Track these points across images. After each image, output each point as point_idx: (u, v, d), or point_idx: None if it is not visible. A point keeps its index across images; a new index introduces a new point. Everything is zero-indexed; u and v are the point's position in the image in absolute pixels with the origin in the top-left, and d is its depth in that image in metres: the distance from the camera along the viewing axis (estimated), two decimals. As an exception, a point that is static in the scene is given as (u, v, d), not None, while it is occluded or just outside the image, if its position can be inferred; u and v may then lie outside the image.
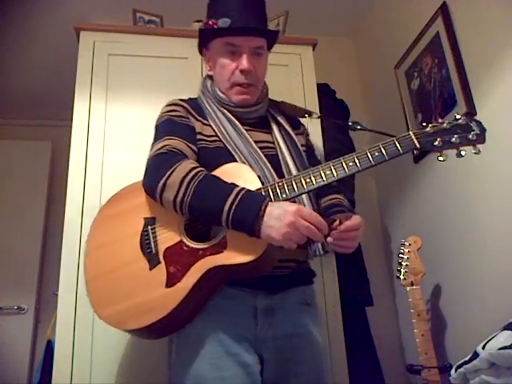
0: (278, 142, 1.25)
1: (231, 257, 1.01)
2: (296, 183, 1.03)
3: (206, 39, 1.26)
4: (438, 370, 1.58)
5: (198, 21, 2.06)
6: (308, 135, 1.42)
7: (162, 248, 1.07)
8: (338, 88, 2.38)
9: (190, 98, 1.32)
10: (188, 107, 1.25)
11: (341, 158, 1.02)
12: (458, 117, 1.01)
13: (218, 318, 1.07)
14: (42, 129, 3.29)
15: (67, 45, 2.00)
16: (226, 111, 1.24)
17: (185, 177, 1.02)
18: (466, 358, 1.16)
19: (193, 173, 1.03)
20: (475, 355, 1.13)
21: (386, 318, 2.25)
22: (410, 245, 1.73)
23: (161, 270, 1.04)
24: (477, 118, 1.64)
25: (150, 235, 1.09)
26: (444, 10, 1.85)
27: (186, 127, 1.20)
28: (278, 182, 1.05)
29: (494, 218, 1.57)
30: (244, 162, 1.14)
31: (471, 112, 1.67)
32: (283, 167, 1.21)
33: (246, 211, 0.96)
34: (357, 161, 1.01)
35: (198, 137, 1.21)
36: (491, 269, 1.58)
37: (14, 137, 3.18)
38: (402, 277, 1.71)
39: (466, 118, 1.00)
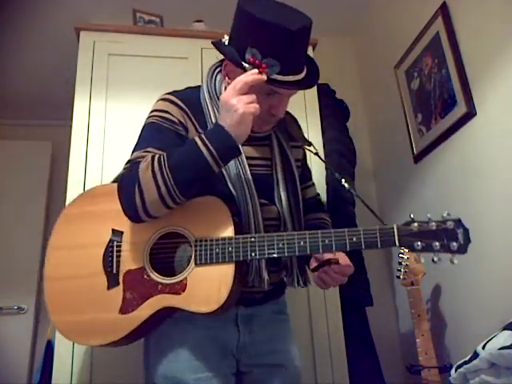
0: (275, 160, 1.17)
1: (187, 302, 0.99)
2: (267, 245, 0.99)
3: (241, 66, 1.02)
4: (438, 369, 1.58)
5: (198, 21, 2.07)
6: (305, 153, 1.33)
7: (123, 269, 1.04)
8: (337, 88, 2.38)
9: (190, 88, 1.20)
10: (189, 111, 1.12)
11: (319, 232, 0.98)
12: (447, 219, 0.95)
13: (202, 327, 1.07)
14: (42, 129, 3.29)
15: (67, 45, 2.00)
16: None
17: (153, 170, 0.96)
18: (466, 358, 1.17)
19: (155, 160, 0.98)
20: (475, 355, 1.13)
21: (385, 318, 2.25)
22: (409, 245, 1.73)
23: (118, 293, 1.02)
24: (476, 117, 1.66)
25: (114, 252, 1.06)
26: (444, 10, 1.85)
27: (174, 137, 1.08)
28: (250, 238, 1.01)
29: (494, 218, 1.57)
30: (229, 182, 1.08)
31: (471, 112, 1.68)
32: (275, 191, 1.15)
33: (220, 140, 0.96)
34: (333, 241, 0.97)
35: None
36: (491, 269, 1.58)
37: (14, 137, 3.18)
38: (401, 277, 1.71)
39: (455, 223, 0.95)
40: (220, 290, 0.98)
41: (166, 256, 1.07)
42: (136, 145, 1.11)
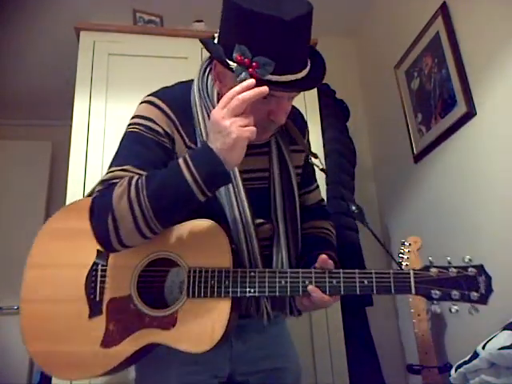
0: (273, 171, 1.04)
1: (177, 340, 0.89)
2: (269, 282, 0.90)
3: (228, 66, 0.87)
4: (438, 369, 1.58)
5: (198, 21, 2.07)
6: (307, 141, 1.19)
7: (107, 297, 0.93)
8: (337, 88, 2.38)
9: (181, 84, 1.05)
10: (176, 121, 0.97)
11: (326, 272, 0.90)
12: (469, 265, 0.89)
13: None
14: (42, 129, 3.29)
15: (67, 45, 2.00)
16: None
17: (129, 198, 0.85)
18: (466, 358, 1.16)
19: (133, 186, 0.86)
20: (475, 355, 1.13)
21: (385, 317, 2.25)
22: (410, 245, 1.73)
23: (100, 323, 0.92)
24: (477, 117, 1.66)
25: (98, 277, 0.95)
26: (444, 10, 1.85)
27: (158, 151, 0.95)
28: (250, 272, 0.91)
29: (494, 218, 1.57)
30: (221, 202, 0.97)
31: (471, 112, 1.67)
32: (271, 205, 1.03)
33: (204, 164, 0.83)
34: (342, 283, 0.89)
35: None
36: (491, 269, 1.58)
37: (14, 137, 3.18)
38: (402, 277, 1.70)
39: (477, 270, 0.88)
40: (214, 329, 0.88)
41: (154, 283, 0.97)
42: (114, 158, 0.97)
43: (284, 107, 0.92)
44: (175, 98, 1.00)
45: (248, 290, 0.90)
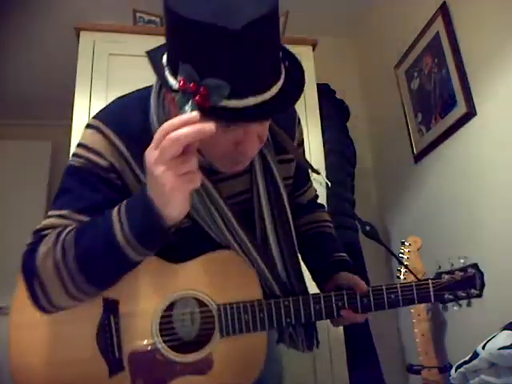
0: (257, 190, 0.90)
1: (219, 381, 0.82)
2: (304, 308, 0.87)
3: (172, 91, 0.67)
4: (438, 369, 1.58)
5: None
6: (302, 142, 1.05)
7: (126, 350, 0.81)
8: (337, 88, 2.38)
9: (139, 99, 0.84)
10: (123, 149, 0.80)
11: (357, 293, 0.90)
12: (467, 265, 0.98)
13: None
14: (42, 129, 3.29)
15: (67, 45, 2.00)
16: None
17: (55, 260, 0.72)
18: (466, 358, 1.16)
19: (58, 246, 0.72)
20: (475, 355, 1.13)
21: (386, 318, 2.25)
22: (410, 245, 1.73)
23: (123, 381, 0.80)
24: (477, 117, 1.66)
25: (113, 329, 0.81)
26: (444, 10, 1.85)
27: (104, 191, 0.79)
28: (283, 301, 0.87)
29: (495, 218, 1.57)
30: (222, 241, 0.87)
31: (471, 112, 1.67)
32: (257, 223, 0.90)
33: (139, 220, 0.69)
34: (372, 300, 0.90)
35: None
36: (491, 268, 1.58)
37: (14, 137, 3.18)
38: (402, 277, 1.71)
39: (474, 269, 0.97)
40: (252, 366, 0.84)
41: (184, 318, 0.87)
42: (54, 198, 0.83)
43: (254, 137, 0.72)
44: (129, 123, 0.81)
45: (284, 319, 0.86)
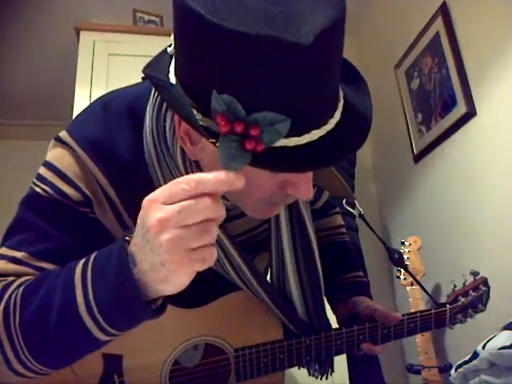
0: (280, 222, 0.75)
1: None
2: (325, 347, 0.81)
3: (205, 132, 0.47)
4: (438, 369, 1.58)
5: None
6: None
7: None
8: (338, 88, 2.37)
9: (128, 105, 0.65)
10: (112, 194, 0.62)
11: (379, 325, 0.85)
12: (479, 282, 1.00)
13: None
14: (42, 129, 3.28)
15: (67, 45, 2.00)
16: None
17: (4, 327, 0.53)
18: (466, 358, 1.16)
19: (0, 310, 0.54)
20: (475, 355, 1.13)
21: (386, 317, 2.25)
22: (410, 245, 1.73)
23: None
24: (477, 117, 1.66)
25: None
26: (444, 10, 1.85)
27: (73, 237, 0.61)
28: (305, 340, 0.80)
29: (494, 218, 1.57)
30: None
31: (471, 112, 1.67)
32: (274, 258, 0.76)
33: (111, 291, 0.48)
34: (392, 331, 0.86)
35: None
36: (491, 268, 1.58)
37: (14, 137, 3.18)
38: (402, 277, 1.71)
39: (484, 286, 1.00)
40: None
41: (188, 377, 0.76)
42: (8, 230, 0.64)
43: (310, 175, 0.54)
44: (112, 145, 0.61)
45: (304, 358, 0.81)
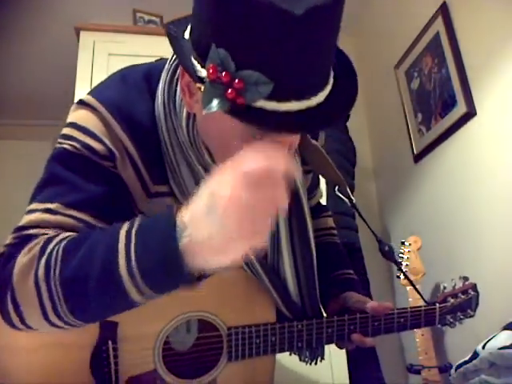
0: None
1: None
2: (316, 333, 0.82)
3: (198, 80, 0.54)
4: (438, 369, 1.58)
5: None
6: None
7: (123, 377, 0.72)
8: (338, 88, 2.37)
9: (141, 75, 0.70)
10: (132, 149, 0.66)
11: (369, 317, 0.87)
12: (468, 287, 1.01)
13: None
14: (42, 129, 3.29)
15: (67, 45, 2.00)
16: (203, 175, 0.68)
17: (36, 279, 0.56)
18: (466, 358, 1.16)
19: (43, 263, 0.56)
20: (475, 355, 1.13)
21: (386, 317, 2.25)
22: (410, 245, 1.73)
23: None
24: (477, 117, 1.66)
25: (110, 356, 0.71)
26: (444, 10, 1.85)
27: (99, 180, 0.65)
28: (297, 325, 0.81)
29: (494, 218, 1.57)
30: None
31: (471, 112, 1.67)
32: (269, 238, 0.79)
33: (156, 260, 0.51)
34: (382, 324, 0.88)
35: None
36: (491, 268, 1.58)
37: (14, 137, 3.18)
38: (402, 277, 1.71)
39: (473, 291, 1.00)
40: None
41: (186, 341, 0.80)
42: (37, 186, 0.67)
43: (284, 150, 0.58)
44: (132, 110, 0.67)
45: (296, 343, 0.82)
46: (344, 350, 1.64)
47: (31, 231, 0.62)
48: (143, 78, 0.70)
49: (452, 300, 0.99)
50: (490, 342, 1.12)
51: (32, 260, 0.57)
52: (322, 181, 1.83)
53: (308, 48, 0.51)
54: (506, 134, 1.53)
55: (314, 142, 0.84)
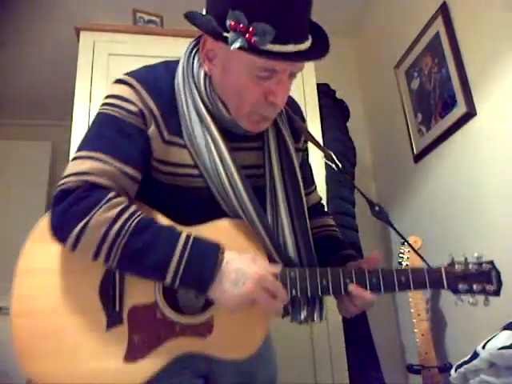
0: (273, 170, 0.92)
1: (217, 348, 0.82)
2: (310, 282, 0.85)
3: (222, 39, 0.77)
4: (438, 369, 1.58)
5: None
6: (306, 150, 1.12)
7: (127, 305, 0.81)
8: (337, 88, 2.38)
9: (163, 66, 0.92)
10: (155, 111, 0.85)
11: (366, 271, 0.88)
12: (482, 261, 0.97)
13: None
14: (42, 129, 3.29)
15: (67, 45, 2.00)
16: (213, 129, 0.86)
17: (108, 231, 0.74)
18: (466, 358, 1.16)
19: (119, 223, 0.75)
20: (475, 355, 1.13)
21: (385, 317, 2.25)
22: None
23: (121, 335, 0.80)
24: (477, 117, 1.66)
25: (117, 281, 0.82)
26: (444, 10, 1.85)
27: (135, 141, 0.83)
28: (289, 272, 0.85)
29: (494, 218, 1.57)
30: (230, 210, 0.88)
31: (471, 112, 1.67)
32: (268, 200, 0.91)
33: (197, 272, 0.77)
34: (381, 279, 0.88)
35: (157, 165, 0.87)
36: (491, 269, 1.58)
37: (14, 137, 3.18)
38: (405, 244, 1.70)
39: (490, 266, 0.96)
40: (255, 333, 0.84)
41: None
42: (87, 141, 0.84)
43: (285, 87, 0.83)
44: (155, 81, 0.88)
45: (289, 291, 0.83)
46: (344, 350, 1.64)
47: (94, 179, 0.77)
48: (164, 66, 0.92)
49: (461, 267, 0.95)
50: (490, 342, 1.12)
51: (111, 217, 0.75)
52: (322, 181, 1.83)
53: (298, 7, 0.77)
54: (505, 134, 1.53)
55: (301, 123, 1.02)
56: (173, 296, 0.86)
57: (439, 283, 0.92)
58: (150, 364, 0.79)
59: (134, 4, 2.10)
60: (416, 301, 1.67)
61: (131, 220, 0.76)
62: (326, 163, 1.88)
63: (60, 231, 0.77)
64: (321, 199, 1.19)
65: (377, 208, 1.06)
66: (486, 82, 1.63)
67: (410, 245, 1.16)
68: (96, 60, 1.79)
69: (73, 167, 0.79)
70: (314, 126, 1.88)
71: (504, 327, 1.17)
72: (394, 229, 1.05)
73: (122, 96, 0.85)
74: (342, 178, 2.05)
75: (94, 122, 0.86)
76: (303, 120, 1.06)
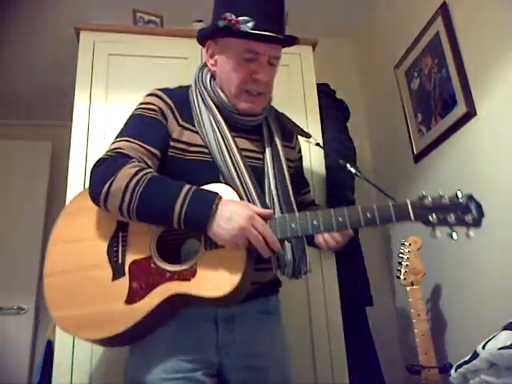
0: (265, 155, 1.17)
1: (198, 287, 0.96)
2: (289, 225, 0.97)
3: (217, 33, 1.12)
4: (438, 369, 1.58)
5: (198, 21, 2.07)
6: (300, 151, 1.37)
7: (128, 260, 1.02)
8: (337, 88, 2.37)
9: (180, 87, 1.23)
10: (172, 105, 1.14)
11: (331, 211, 0.96)
12: (459, 195, 0.94)
13: (178, 326, 1.04)
14: (42, 129, 3.29)
15: (67, 45, 2.00)
16: (217, 115, 1.13)
17: (129, 182, 0.98)
18: (466, 358, 1.16)
19: (137, 177, 0.98)
20: (475, 355, 1.13)
21: (386, 318, 2.25)
22: (410, 245, 1.73)
23: (123, 284, 1.00)
24: (477, 117, 1.66)
25: (120, 243, 1.04)
26: (444, 10, 1.85)
27: (154, 129, 1.11)
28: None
29: (495, 218, 1.57)
30: (227, 178, 1.08)
31: (471, 112, 1.68)
32: (266, 182, 1.15)
33: (196, 211, 0.95)
34: (347, 217, 0.95)
35: (174, 144, 1.11)
36: (491, 268, 1.58)
37: (14, 137, 3.18)
38: (402, 277, 1.71)
39: (468, 198, 0.94)
40: (233, 273, 0.95)
41: (173, 246, 1.07)
42: (121, 131, 1.13)
43: (266, 69, 1.11)
44: (175, 92, 1.19)
45: (279, 232, 0.97)
46: (344, 350, 1.64)
47: (122, 151, 1.05)
48: (182, 86, 1.24)
49: (430, 200, 0.94)
50: (490, 342, 1.12)
51: (131, 173, 0.99)
52: (322, 183, 1.83)
53: (272, 5, 1.10)
54: (506, 134, 1.53)
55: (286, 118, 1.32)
56: (165, 250, 1.04)
57: (405, 215, 0.94)
58: (145, 305, 0.97)
59: (134, 4, 2.09)
60: (416, 301, 1.67)
61: (147, 175, 0.99)
62: (329, 167, 1.89)
63: (95, 188, 1.01)
64: (313, 200, 1.41)
65: (341, 161, 1.31)
66: (486, 82, 1.63)
67: (358, 172, 1.35)
68: (96, 60, 1.79)
69: (109, 147, 1.08)
70: (314, 126, 1.88)
71: (504, 327, 1.17)
72: (360, 176, 1.31)
73: (146, 102, 1.16)
74: (342, 179, 2.05)
75: (129, 118, 1.15)
76: (295, 135, 1.34)
